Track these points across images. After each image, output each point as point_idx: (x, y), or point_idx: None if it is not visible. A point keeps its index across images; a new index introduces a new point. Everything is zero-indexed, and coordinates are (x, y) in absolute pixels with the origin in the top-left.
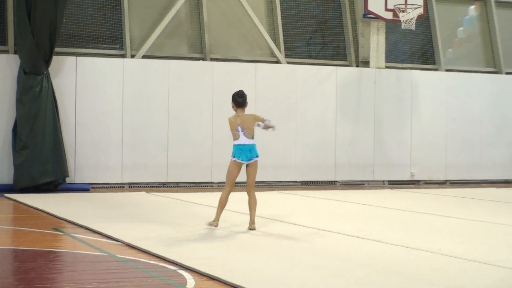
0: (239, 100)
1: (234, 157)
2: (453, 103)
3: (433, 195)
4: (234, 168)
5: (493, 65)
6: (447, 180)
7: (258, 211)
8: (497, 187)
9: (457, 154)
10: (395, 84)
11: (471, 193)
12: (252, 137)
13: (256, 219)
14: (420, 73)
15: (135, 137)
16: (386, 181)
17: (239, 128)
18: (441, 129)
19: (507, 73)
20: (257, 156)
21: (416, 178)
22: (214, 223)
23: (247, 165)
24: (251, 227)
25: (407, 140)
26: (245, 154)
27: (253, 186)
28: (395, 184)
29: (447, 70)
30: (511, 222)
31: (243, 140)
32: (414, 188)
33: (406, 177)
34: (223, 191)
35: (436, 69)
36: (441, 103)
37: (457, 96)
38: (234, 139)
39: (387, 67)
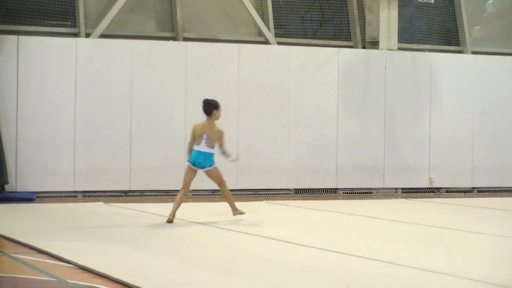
0: (203, 108)
1: (189, 162)
2: (481, 93)
3: (456, 206)
4: (190, 172)
5: None
6: (474, 188)
7: (241, 226)
8: None
9: (486, 155)
10: (410, 70)
11: (503, 203)
12: (212, 147)
13: (238, 235)
14: (440, 56)
15: (90, 135)
16: (399, 188)
17: (205, 136)
18: (467, 125)
19: None
20: (210, 166)
21: (436, 185)
22: (171, 217)
23: (205, 171)
24: (239, 212)
25: (425, 138)
26: (199, 161)
27: (221, 183)
28: (410, 192)
29: (473, 53)
30: None
31: (203, 147)
32: (434, 197)
33: (423, 184)
34: (179, 193)
35: (460, 51)
36: (467, 92)
37: (486, 84)
38: (195, 144)
39: (400, 48)
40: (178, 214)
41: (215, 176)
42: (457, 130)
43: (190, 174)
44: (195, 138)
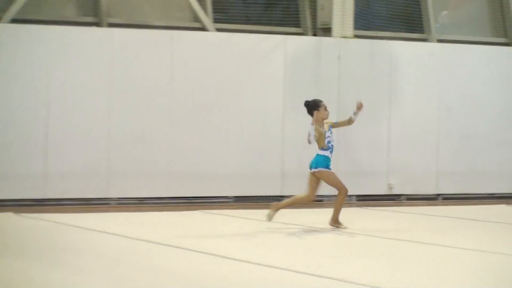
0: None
1: None
2: (449, 86)
3: (419, 216)
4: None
5: (504, 34)
6: (438, 195)
7: (170, 239)
8: (508, 203)
9: (453, 158)
10: (367, 60)
11: (471, 212)
12: (321, 148)
13: (167, 250)
14: (402, 44)
15: None
16: (354, 196)
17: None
18: (432, 123)
19: None
20: (315, 167)
21: (395, 191)
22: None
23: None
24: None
25: (384, 138)
26: (311, 162)
27: (338, 190)
28: (366, 200)
29: (439, 41)
30: None
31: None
32: (393, 205)
33: (381, 190)
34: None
35: (424, 39)
36: (432, 86)
37: (454, 77)
38: None
39: (356, 36)
40: (97, 225)
41: (327, 180)
42: (420, 129)
43: (309, 177)
44: None
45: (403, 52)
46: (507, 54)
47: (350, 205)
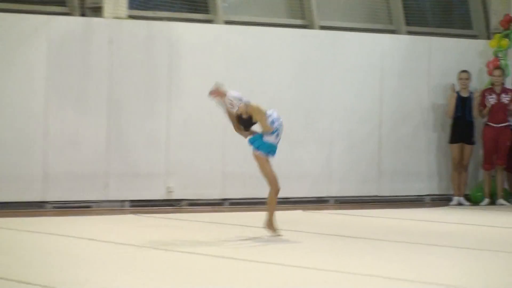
0: None
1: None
2: (237, 75)
3: (201, 224)
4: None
5: (301, 15)
6: (225, 199)
7: None
8: (304, 208)
9: (241, 157)
10: (144, 44)
11: (256, 218)
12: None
13: None
14: (184, 26)
15: None
16: (128, 201)
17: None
18: (218, 117)
19: (322, 27)
20: (254, 149)
21: (175, 196)
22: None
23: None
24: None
25: (161, 135)
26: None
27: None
28: (141, 206)
29: (227, 23)
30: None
31: None
32: (172, 212)
33: (159, 194)
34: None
35: (210, 21)
36: (218, 74)
37: (244, 63)
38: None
39: (131, 16)
40: None
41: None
42: (204, 124)
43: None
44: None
45: (185, 35)
46: (304, 37)
47: (122, 211)
